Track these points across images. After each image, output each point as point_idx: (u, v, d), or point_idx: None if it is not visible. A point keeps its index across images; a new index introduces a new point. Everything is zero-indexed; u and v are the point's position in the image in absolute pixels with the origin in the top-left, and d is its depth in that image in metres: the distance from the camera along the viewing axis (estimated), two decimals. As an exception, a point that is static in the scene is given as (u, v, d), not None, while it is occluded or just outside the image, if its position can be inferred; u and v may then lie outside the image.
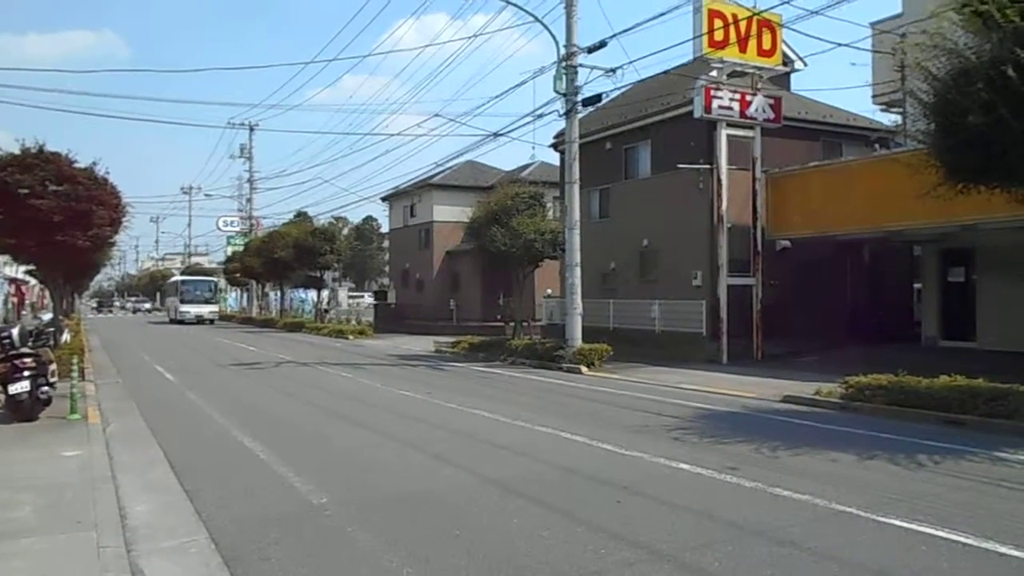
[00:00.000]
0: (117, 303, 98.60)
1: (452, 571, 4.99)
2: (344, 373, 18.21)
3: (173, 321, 51.47)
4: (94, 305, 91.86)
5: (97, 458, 8.17)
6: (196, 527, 5.97)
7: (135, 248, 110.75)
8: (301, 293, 51.76)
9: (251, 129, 55.00)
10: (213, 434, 10.24)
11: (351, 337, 32.60)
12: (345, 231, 45.25)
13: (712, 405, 12.60)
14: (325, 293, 46.82)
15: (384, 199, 46.31)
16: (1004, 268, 18.65)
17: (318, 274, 41.38)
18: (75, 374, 11.72)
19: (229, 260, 58.54)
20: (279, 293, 50.50)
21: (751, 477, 7.36)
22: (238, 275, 56.03)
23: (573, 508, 6.40)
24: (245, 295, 63.98)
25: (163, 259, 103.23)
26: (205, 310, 50.67)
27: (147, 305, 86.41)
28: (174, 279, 61.64)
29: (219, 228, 60.26)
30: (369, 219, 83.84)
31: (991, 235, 17.81)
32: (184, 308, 50.04)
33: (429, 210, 40.78)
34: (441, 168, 36.16)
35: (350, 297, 69.05)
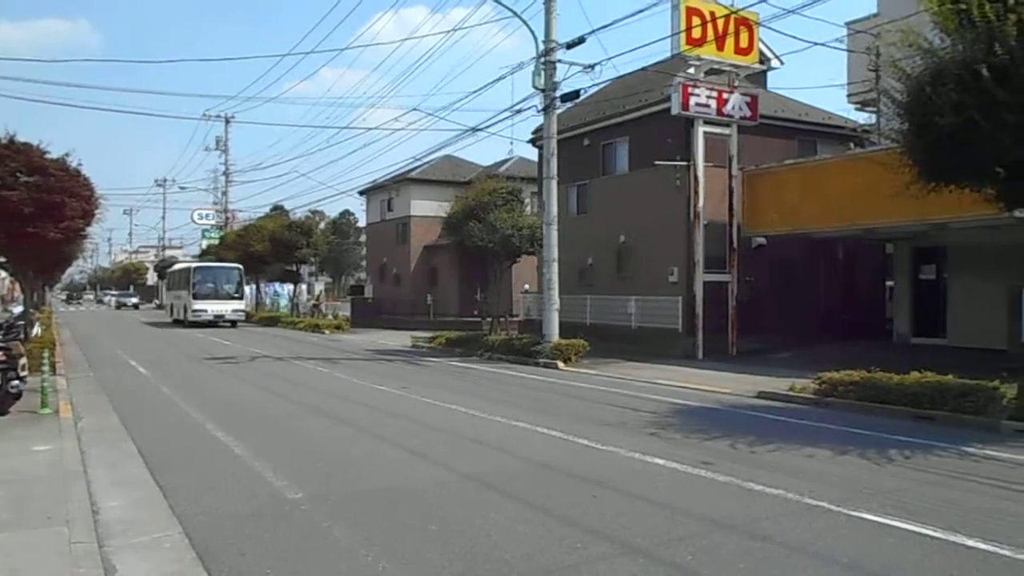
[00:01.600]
0: (90, 296, 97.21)
1: (428, 566, 5.00)
2: (320, 368, 18.12)
3: (181, 323, 38.28)
4: (63, 298, 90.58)
5: (69, 453, 8.08)
6: (170, 522, 5.92)
7: (108, 241, 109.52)
8: (277, 287, 51.39)
9: (227, 121, 54.51)
10: (187, 429, 10.15)
11: (327, 332, 32.45)
12: (322, 225, 44.97)
13: (687, 400, 12.69)
14: (318, 288, 46.43)
15: (362, 193, 46.11)
16: (974, 266, 18.95)
17: (294, 268, 41.13)
18: (46, 368, 11.56)
19: (204, 253, 57.92)
20: (255, 287, 50.12)
21: (725, 472, 7.43)
22: (213, 269, 55.45)
23: (549, 503, 6.43)
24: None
25: (136, 252, 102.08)
26: (227, 308, 37.25)
27: (133, 300, 74.54)
28: (179, 266, 45.91)
29: (194, 221, 59.63)
30: (346, 213, 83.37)
31: (962, 234, 18.08)
32: (199, 305, 36.78)
33: (407, 204, 40.65)
34: (419, 162, 36.11)
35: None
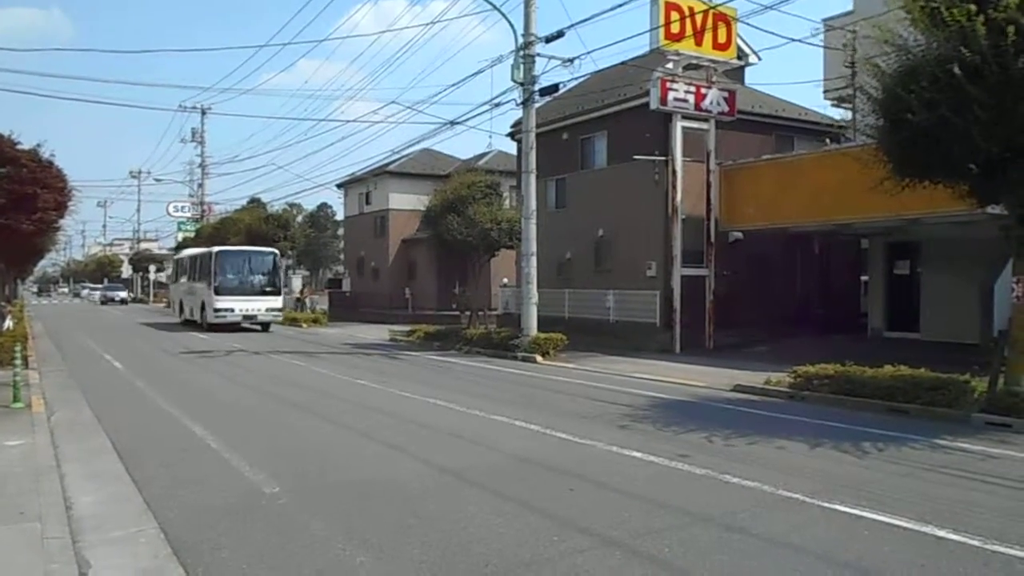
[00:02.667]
0: (64, 289, 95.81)
1: (406, 559, 5.00)
2: (297, 362, 18.03)
3: (196, 324, 30.16)
4: (35, 290, 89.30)
5: (41, 447, 7.98)
6: (145, 517, 5.88)
7: (81, 233, 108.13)
8: (254, 280, 50.90)
9: (203, 113, 53.87)
10: (162, 423, 10.07)
11: (305, 325, 32.26)
12: (299, 218, 44.66)
13: (664, 394, 12.77)
14: (297, 282, 45.88)
15: (339, 186, 45.83)
16: (947, 261, 19.20)
17: (272, 261, 40.74)
18: (18, 361, 11.41)
19: (180, 246, 57.37)
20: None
21: (702, 465, 7.49)
22: (189, 262, 54.96)
23: (527, 496, 6.45)
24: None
25: (111, 244, 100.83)
26: (260, 305, 28.90)
27: (121, 294, 65.64)
28: (192, 252, 35.65)
29: (169, 214, 58.96)
30: (324, 206, 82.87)
31: (935, 229, 18.31)
32: (223, 303, 28.23)
33: (385, 198, 40.48)
34: (397, 156, 35.91)
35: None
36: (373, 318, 35.65)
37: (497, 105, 21.87)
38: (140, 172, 72.23)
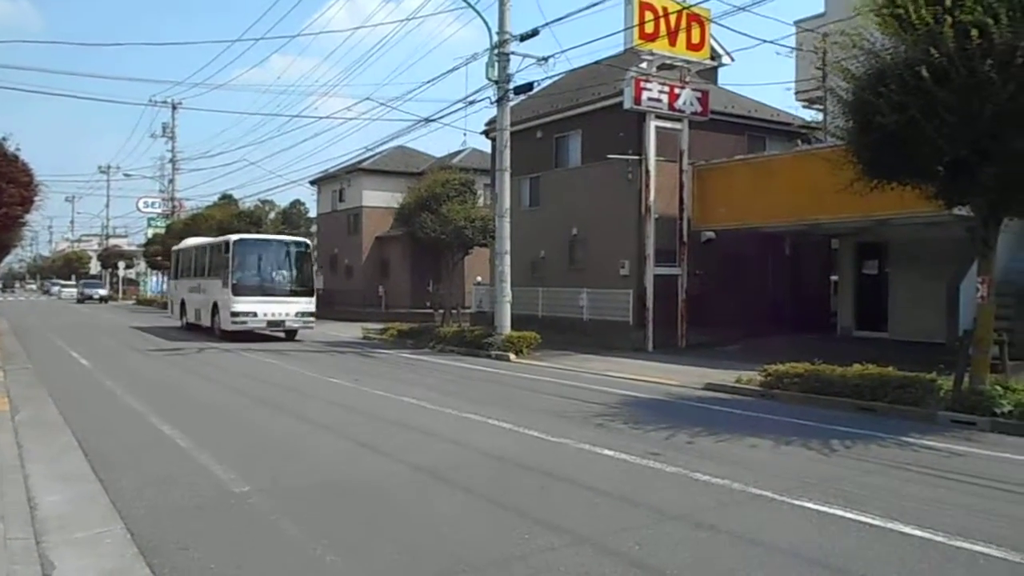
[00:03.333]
0: (32, 284, 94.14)
1: (377, 558, 4.98)
2: (269, 359, 17.87)
3: (206, 331, 24.65)
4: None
5: (5, 447, 7.84)
6: (111, 517, 5.78)
7: (48, 229, 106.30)
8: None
9: (174, 108, 53.31)
10: (130, 422, 9.93)
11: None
12: (272, 215, 44.09)
13: (637, 392, 12.83)
14: None
15: (313, 183, 45.57)
16: (914, 262, 19.50)
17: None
18: (-18, 359, 11.16)
19: (150, 243, 56.64)
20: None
21: (673, 462, 7.53)
22: (159, 258, 54.27)
23: (499, 494, 6.45)
24: (166, 279, 62.07)
25: (79, 240, 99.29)
26: (289, 309, 23.29)
27: (101, 291, 62.62)
28: (200, 242, 29.16)
29: (139, 209, 58.18)
30: (297, 203, 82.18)
31: (903, 230, 18.58)
32: (243, 304, 22.57)
33: (358, 195, 40.29)
34: (371, 153, 35.77)
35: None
36: (346, 316, 35.45)
37: (471, 103, 21.87)
38: (109, 167, 71.32)
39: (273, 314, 22.90)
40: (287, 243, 24.98)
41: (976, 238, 10.67)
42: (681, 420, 10.10)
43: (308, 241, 25.77)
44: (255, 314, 22.65)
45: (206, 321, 24.95)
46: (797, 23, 24.69)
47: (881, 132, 9.58)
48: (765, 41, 18.74)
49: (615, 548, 5.12)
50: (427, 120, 24.08)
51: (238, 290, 22.65)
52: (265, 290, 23.07)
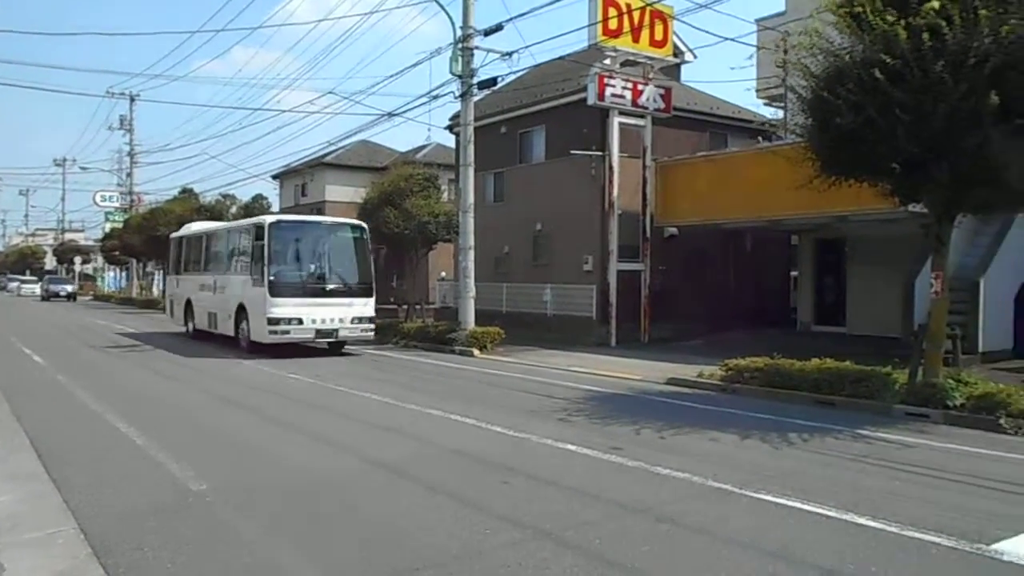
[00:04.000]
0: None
1: (338, 556, 4.94)
2: (228, 356, 17.63)
3: (225, 340, 19.48)
4: None
5: (-46, 446, 7.63)
6: (64, 517, 5.67)
7: (1, 223, 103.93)
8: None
9: (132, 99, 52.24)
10: (85, 420, 9.74)
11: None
12: (233, 209, 43.40)
13: (600, 387, 12.90)
14: None
15: (275, 177, 45.07)
16: (872, 258, 19.86)
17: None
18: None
19: (107, 237, 55.58)
20: (162, 273, 48.40)
21: (634, 456, 7.58)
22: (117, 253, 53.37)
23: (461, 490, 6.44)
24: (124, 274, 61.03)
25: (33, 235, 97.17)
26: (345, 314, 18.03)
27: (68, 288, 56.88)
28: (213, 227, 23.68)
29: (96, 203, 57.04)
30: (259, 197, 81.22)
31: (861, 226, 18.90)
32: (283, 309, 17.16)
33: (321, 189, 39.91)
34: (334, 147, 35.46)
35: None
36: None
37: (435, 97, 21.77)
38: (65, 160, 69.89)
39: (323, 320, 17.47)
40: (339, 226, 19.34)
41: (930, 234, 10.90)
42: (643, 414, 10.17)
43: (363, 225, 19.45)
44: (300, 321, 17.17)
45: (225, 328, 19.29)
46: (758, 21, 24.98)
47: (839, 130, 9.73)
48: (727, 39, 19.01)
49: (576, 543, 5.14)
50: (391, 114, 23.99)
51: (277, 289, 17.05)
52: (312, 289, 17.60)
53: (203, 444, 8.41)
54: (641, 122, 20.61)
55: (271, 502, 6.14)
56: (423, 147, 39.92)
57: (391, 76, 45.32)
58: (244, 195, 78.26)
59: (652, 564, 4.78)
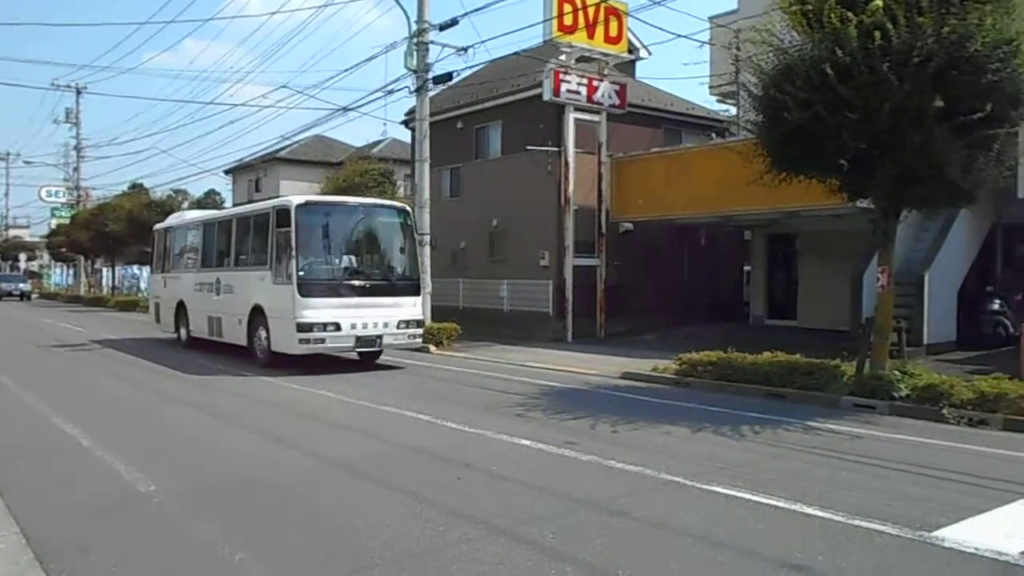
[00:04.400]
0: None
1: (290, 555, 4.88)
2: (178, 354, 17.31)
3: (236, 352, 15.78)
4: None
5: None
6: (5, 522, 5.50)
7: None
8: (135, 270, 48.78)
9: (78, 92, 50.99)
10: (29, 420, 9.49)
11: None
12: (185, 205, 42.63)
13: (556, 382, 12.95)
14: None
15: (228, 172, 44.40)
16: (822, 252, 20.25)
17: (155, 249, 38.96)
18: None
19: (53, 233, 54.22)
20: (111, 270, 47.39)
21: (588, 451, 7.62)
22: (63, 250, 52.11)
23: (415, 486, 6.40)
24: (72, 271, 59.59)
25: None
26: (390, 316, 14.44)
27: (23, 286, 53.42)
28: (221, 215, 20.45)
29: (42, 199, 55.50)
30: (211, 193, 79.89)
31: (811, 222, 19.26)
32: (318, 311, 13.72)
33: (276, 185, 39.39)
34: (289, 142, 35.05)
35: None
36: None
37: (390, 92, 21.72)
38: (8, 154, 67.75)
39: (365, 325, 14.05)
40: (380, 209, 15.74)
41: (877, 230, 11.14)
42: (598, 409, 10.24)
43: (406, 208, 15.98)
44: (336, 326, 13.77)
45: (234, 335, 15.87)
46: (711, 19, 25.24)
47: (788, 126, 9.90)
48: (680, 35, 19.18)
49: (530, 537, 5.15)
50: (345, 109, 23.77)
51: (308, 287, 13.69)
52: (351, 287, 14.27)
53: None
54: (596, 118, 20.72)
55: (220, 501, 6.04)
56: (379, 142, 39.69)
57: (346, 70, 45.07)
58: (196, 190, 77.05)
59: (605, 558, 4.81)
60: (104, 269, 49.84)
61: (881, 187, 10.33)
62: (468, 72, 21.68)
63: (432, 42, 19.10)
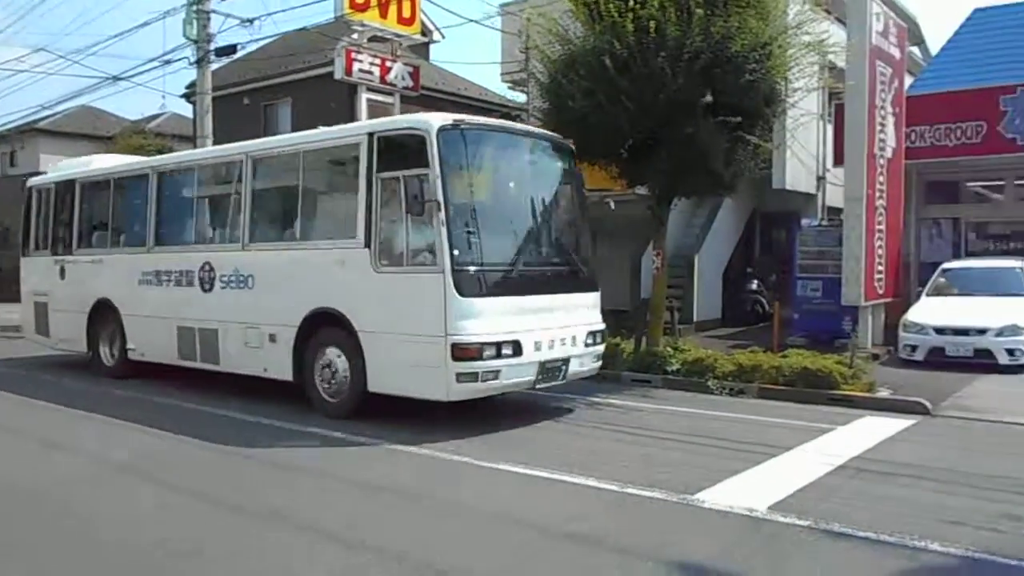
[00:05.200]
0: None
1: (57, 564, 4.45)
2: (118, 391, 15.20)
3: (160, 368, 10.87)
4: None
5: None
6: None
7: None
8: None
9: None
10: None
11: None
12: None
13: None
14: None
15: (-25, 144, 39.43)
16: (607, 236, 21.14)
17: None
18: None
19: None
20: None
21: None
22: None
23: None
24: None
25: None
26: (578, 325, 8.97)
27: None
28: (284, 140, 10.91)
29: None
30: (-43, 166, 71.26)
31: (597, 207, 20.12)
32: (485, 319, 7.62)
33: (34, 159, 35.39)
34: (50, 112, 31.66)
35: None
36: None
37: (168, 63, 20.12)
38: None
39: (551, 343, 8.40)
40: (546, 145, 9.71)
41: (654, 215, 11.88)
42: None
43: (570, 145, 9.97)
44: (516, 348, 7.91)
45: (248, 361, 9.56)
46: (502, 6, 25.66)
47: (573, 115, 10.23)
48: (471, 20, 19.38)
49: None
50: (116, 78, 21.72)
51: (470, 280, 7.72)
52: (529, 280, 8.50)
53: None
54: (390, 99, 20.42)
55: None
56: (157, 116, 36.82)
57: (117, 35, 41.21)
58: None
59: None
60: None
61: (656, 176, 10.95)
62: (256, 46, 20.65)
63: (214, 11, 17.91)
